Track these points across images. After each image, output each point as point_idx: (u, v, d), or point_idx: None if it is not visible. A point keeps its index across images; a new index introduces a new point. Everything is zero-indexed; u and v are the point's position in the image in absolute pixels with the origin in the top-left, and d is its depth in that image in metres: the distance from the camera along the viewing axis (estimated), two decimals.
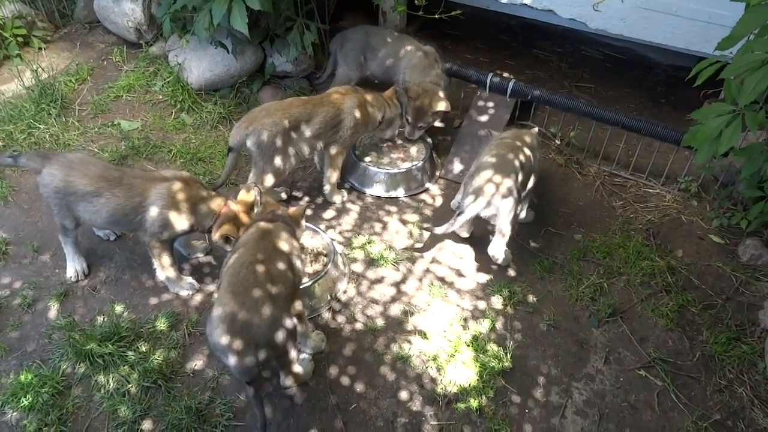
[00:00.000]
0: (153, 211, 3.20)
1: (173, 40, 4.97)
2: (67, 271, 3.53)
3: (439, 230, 3.63)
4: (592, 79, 5.52)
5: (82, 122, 4.54)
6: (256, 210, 3.24)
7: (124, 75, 4.96)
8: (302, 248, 3.62)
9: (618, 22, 4.82)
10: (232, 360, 2.60)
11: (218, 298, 2.72)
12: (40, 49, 5.20)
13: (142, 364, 3.11)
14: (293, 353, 2.85)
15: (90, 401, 3.01)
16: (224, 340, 2.57)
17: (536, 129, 4.14)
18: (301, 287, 3.09)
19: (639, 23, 4.77)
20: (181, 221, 3.25)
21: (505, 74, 5.50)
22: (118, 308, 3.41)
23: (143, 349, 3.19)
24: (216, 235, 3.17)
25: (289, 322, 2.76)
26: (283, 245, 2.92)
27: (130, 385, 3.04)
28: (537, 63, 5.73)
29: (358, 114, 3.91)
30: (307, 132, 3.77)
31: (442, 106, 4.21)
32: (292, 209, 3.17)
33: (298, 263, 2.97)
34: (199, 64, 4.71)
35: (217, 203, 3.30)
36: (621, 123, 4.22)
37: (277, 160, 3.68)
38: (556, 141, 4.63)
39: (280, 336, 2.69)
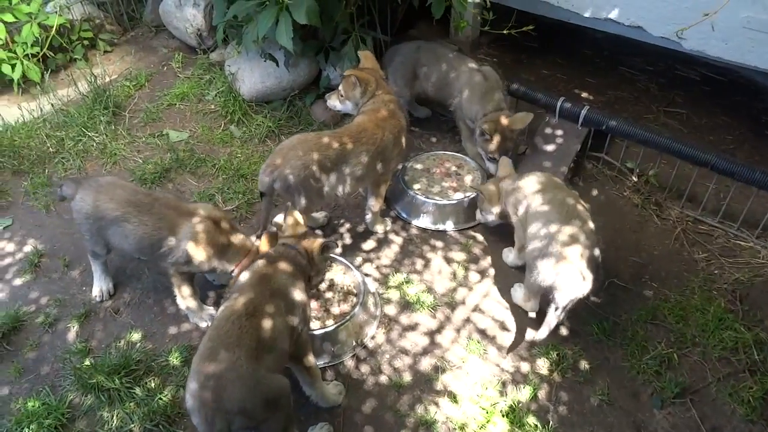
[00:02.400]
0: (180, 248, 3.05)
1: (230, 49, 4.83)
2: (93, 290, 3.44)
3: (540, 336, 3.10)
4: (684, 103, 4.88)
5: (131, 131, 4.48)
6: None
7: (179, 82, 4.87)
8: (331, 285, 3.36)
9: (718, 43, 4.18)
10: (198, 423, 2.33)
11: (198, 350, 2.47)
12: (105, 52, 5.23)
13: (149, 402, 2.94)
14: (285, 423, 2.52)
15: None
16: (191, 400, 2.32)
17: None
18: (314, 333, 2.79)
19: (744, 45, 4.11)
20: (207, 262, 3.10)
21: (584, 94, 5.01)
22: (136, 336, 3.27)
23: (152, 384, 3.03)
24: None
25: (279, 385, 2.45)
26: (285, 292, 2.63)
27: (133, 425, 2.88)
28: (622, 82, 5.15)
29: (400, 141, 3.57)
30: (345, 172, 3.42)
31: (521, 122, 3.87)
32: (305, 241, 2.87)
33: (302, 313, 2.68)
34: (252, 74, 4.53)
35: (245, 246, 3.14)
36: (711, 164, 3.63)
37: (309, 201, 3.40)
38: (633, 178, 4.08)
39: (261, 403, 2.36)
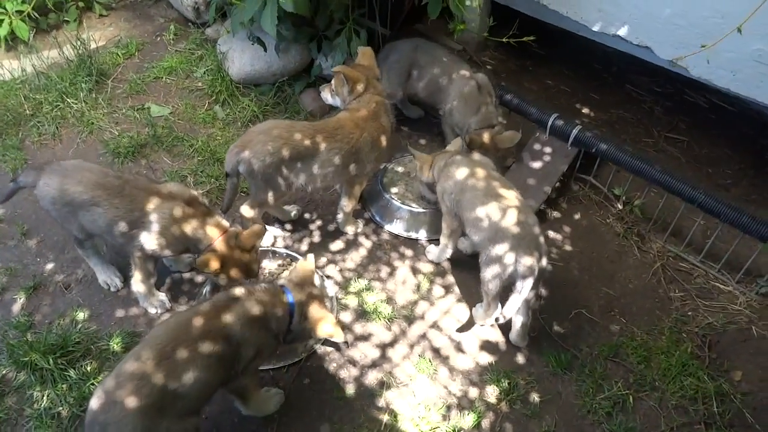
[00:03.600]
0: (150, 229, 2.94)
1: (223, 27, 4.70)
2: (100, 282, 3.35)
3: (507, 312, 2.96)
4: (687, 130, 4.69)
5: (112, 101, 4.38)
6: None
7: (169, 56, 4.75)
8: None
9: (726, 73, 3.98)
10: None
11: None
12: (100, 15, 5.11)
13: (81, 386, 2.86)
14: None
15: (19, 415, 2.81)
16: (94, 401, 2.22)
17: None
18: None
19: (753, 79, 3.90)
20: (174, 244, 3.01)
21: (585, 110, 4.84)
22: (81, 315, 3.19)
23: (88, 368, 2.95)
24: (198, 263, 2.90)
25: (180, 426, 2.32)
26: (239, 339, 2.47)
27: (62, 408, 2.81)
28: (627, 101, 4.95)
29: (379, 144, 3.43)
30: (314, 169, 3.30)
31: (507, 142, 3.70)
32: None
33: (252, 360, 2.55)
34: (242, 56, 4.40)
35: (213, 231, 3.01)
36: (698, 202, 3.46)
37: (272, 192, 3.30)
38: (618, 205, 3.92)
39: None
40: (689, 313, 3.44)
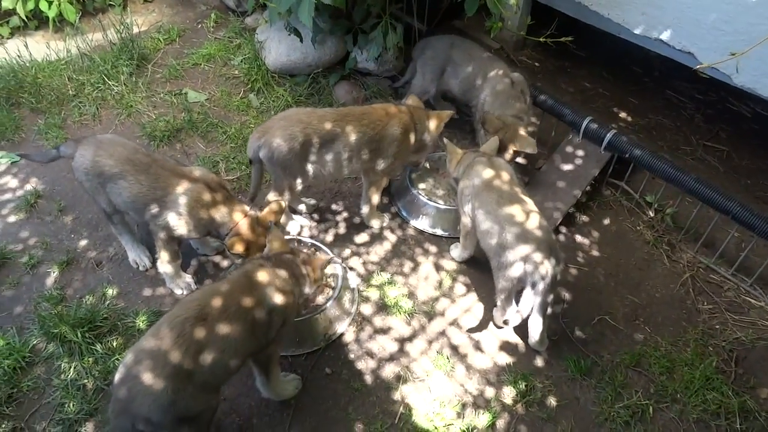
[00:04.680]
0: (172, 210, 3.01)
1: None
2: (130, 259, 3.43)
3: (523, 310, 3.00)
4: (728, 139, 4.57)
5: (151, 85, 4.47)
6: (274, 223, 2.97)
7: (209, 43, 4.83)
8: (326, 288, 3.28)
9: None
10: (110, 407, 2.29)
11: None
12: (144, 1, 5.22)
13: (106, 361, 2.95)
14: None
15: (47, 385, 2.90)
16: (115, 380, 2.27)
17: None
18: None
19: None
20: (197, 227, 3.06)
21: (622, 114, 4.76)
22: (110, 291, 3.28)
23: (113, 344, 3.04)
24: (227, 246, 2.97)
25: (201, 408, 2.36)
26: (268, 301, 2.53)
27: (87, 380, 2.90)
28: (667, 107, 4.85)
29: (403, 141, 3.43)
30: (333, 153, 3.31)
31: (523, 145, 3.59)
32: (313, 258, 2.81)
33: (281, 326, 2.60)
34: (279, 46, 4.44)
35: (236, 214, 3.06)
36: (732, 214, 3.38)
37: (292, 179, 3.33)
38: (650, 212, 3.85)
39: (171, 420, 2.26)
40: (717, 327, 3.36)
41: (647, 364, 3.17)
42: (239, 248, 2.94)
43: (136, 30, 4.75)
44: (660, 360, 3.17)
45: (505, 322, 3.08)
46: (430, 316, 3.32)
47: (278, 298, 2.54)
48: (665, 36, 4.22)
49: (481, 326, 3.28)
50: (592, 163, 3.88)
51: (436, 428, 2.86)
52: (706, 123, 4.71)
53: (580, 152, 3.93)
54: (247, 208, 3.11)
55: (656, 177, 3.73)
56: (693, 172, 3.66)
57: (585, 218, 3.87)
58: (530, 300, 2.92)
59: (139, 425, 2.24)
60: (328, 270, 3.32)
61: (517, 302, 3.02)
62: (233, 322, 2.38)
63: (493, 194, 3.10)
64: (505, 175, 3.19)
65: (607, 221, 3.88)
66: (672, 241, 3.75)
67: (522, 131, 3.64)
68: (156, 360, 2.23)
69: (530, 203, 3.08)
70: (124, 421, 2.24)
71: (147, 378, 2.20)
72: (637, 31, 4.37)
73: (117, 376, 2.27)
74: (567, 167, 3.90)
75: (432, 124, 3.54)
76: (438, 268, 3.56)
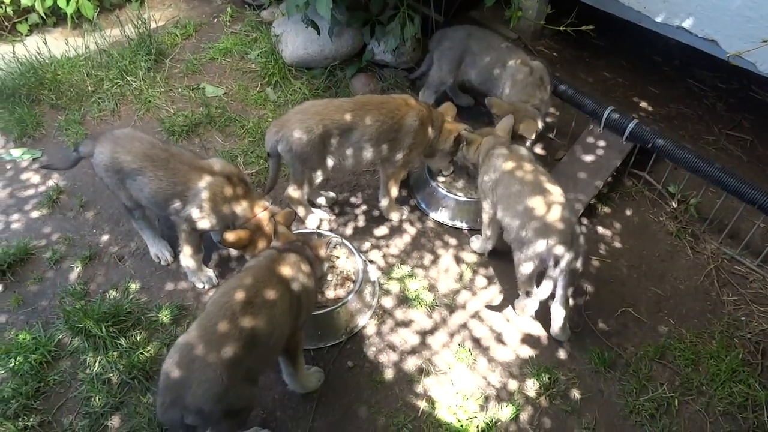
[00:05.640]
0: (193, 203, 3.01)
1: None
2: (151, 254, 3.46)
3: (542, 294, 2.99)
4: (751, 129, 4.50)
5: (169, 80, 4.48)
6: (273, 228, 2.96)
7: (225, 37, 4.83)
8: (331, 268, 3.29)
9: None
10: (158, 399, 2.30)
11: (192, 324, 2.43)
12: None
13: (130, 354, 2.97)
14: (237, 427, 2.44)
15: (73, 379, 2.93)
16: (162, 376, 2.28)
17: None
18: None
19: None
20: (218, 220, 3.07)
21: (643, 104, 4.69)
22: (133, 286, 3.30)
23: (137, 338, 3.06)
24: (226, 236, 2.94)
25: (247, 398, 2.39)
26: (294, 284, 2.57)
27: (112, 374, 2.92)
28: (688, 96, 4.78)
29: (419, 132, 3.40)
30: (352, 143, 3.30)
31: (530, 132, 3.54)
32: (314, 240, 2.83)
33: (307, 311, 2.65)
34: (295, 39, 4.43)
35: (254, 208, 3.06)
36: (759, 204, 3.32)
37: (310, 171, 3.32)
38: (673, 203, 3.80)
39: (220, 411, 2.27)
40: (742, 318, 3.32)
41: (672, 357, 3.13)
42: (242, 239, 2.96)
43: (153, 25, 4.76)
44: (685, 352, 3.14)
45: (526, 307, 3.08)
46: (451, 308, 3.31)
47: (304, 280, 2.60)
48: (687, 23, 4.14)
49: (498, 308, 3.30)
50: (614, 154, 3.83)
51: (459, 421, 2.85)
52: (729, 112, 4.64)
53: (602, 143, 3.89)
54: (265, 202, 3.11)
55: (679, 167, 3.68)
56: (716, 161, 3.60)
57: (607, 209, 3.83)
58: (550, 284, 2.90)
59: (188, 417, 2.25)
60: (349, 265, 3.32)
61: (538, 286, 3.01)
62: (274, 307, 2.43)
63: (516, 185, 3.07)
64: (528, 166, 3.16)
65: (629, 212, 3.83)
66: (696, 232, 3.70)
67: (535, 118, 3.60)
68: (211, 346, 2.26)
69: (556, 193, 3.04)
70: (174, 414, 2.25)
71: (202, 365, 2.23)
72: (658, 19, 4.30)
73: (168, 363, 2.27)
74: (588, 158, 3.86)
75: (447, 127, 3.54)
76: (458, 260, 3.55)
